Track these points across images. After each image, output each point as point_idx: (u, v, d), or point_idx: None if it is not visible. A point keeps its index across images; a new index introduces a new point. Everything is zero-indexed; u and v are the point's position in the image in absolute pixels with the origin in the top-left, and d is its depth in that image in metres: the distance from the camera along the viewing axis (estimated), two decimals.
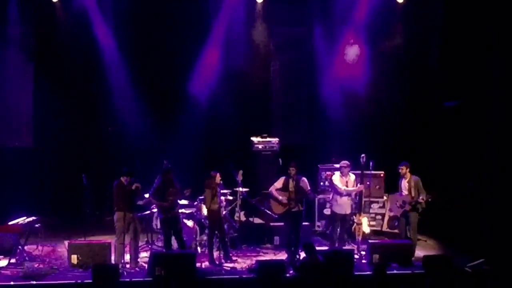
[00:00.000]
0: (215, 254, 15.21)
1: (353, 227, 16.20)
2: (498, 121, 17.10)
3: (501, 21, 16.92)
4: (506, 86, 16.96)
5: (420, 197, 15.69)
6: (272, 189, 15.50)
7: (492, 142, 17.27)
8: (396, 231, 16.92)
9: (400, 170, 15.94)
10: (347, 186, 15.75)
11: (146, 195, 15.64)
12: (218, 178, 15.31)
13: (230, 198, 16.25)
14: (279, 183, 15.48)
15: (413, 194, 15.77)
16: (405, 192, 15.92)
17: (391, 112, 19.36)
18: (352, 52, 19.42)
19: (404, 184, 15.96)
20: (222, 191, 15.64)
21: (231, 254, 15.50)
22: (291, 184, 15.34)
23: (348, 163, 15.81)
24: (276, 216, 15.93)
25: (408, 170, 15.94)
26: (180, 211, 15.51)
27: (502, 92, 17.03)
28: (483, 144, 17.54)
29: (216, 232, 15.29)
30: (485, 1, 17.29)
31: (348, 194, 15.73)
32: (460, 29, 18.00)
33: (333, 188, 15.93)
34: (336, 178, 15.86)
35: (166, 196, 15.00)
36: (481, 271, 14.33)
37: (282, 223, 15.97)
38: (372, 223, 17.52)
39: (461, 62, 18.01)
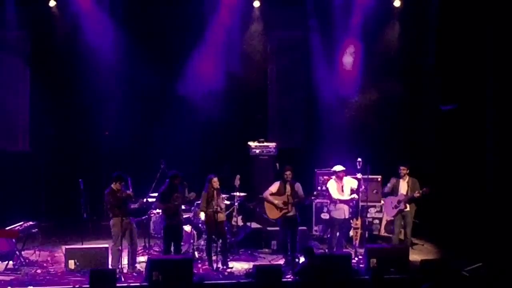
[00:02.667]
0: (213, 258, 15.17)
1: (350, 232, 16.22)
2: (495, 123, 17.14)
3: (497, 24, 16.96)
4: (502, 89, 17.00)
5: (416, 192, 15.80)
6: (267, 193, 15.49)
7: (490, 145, 17.30)
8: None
9: (402, 170, 16.09)
10: (342, 191, 15.71)
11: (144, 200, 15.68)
12: (214, 182, 15.22)
13: (228, 202, 16.23)
14: (274, 188, 15.49)
15: (409, 194, 15.92)
16: (402, 192, 15.99)
17: (388, 116, 19.37)
18: (349, 55, 19.42)
19: (403, 185, 16.08)
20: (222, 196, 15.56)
21: (228, 260, 15.46)
22: (288, 188, 15.36)
23: (343, 168, 15.81)
24: (274, 221, 15.94)
25: (408, 172, 16.09)
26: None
27: (499, 95, 17.08)
28: (480, 147, 17.57)
29: (214, 237, 15.24)
30: (480, 4, 17.33)
31: (343, 202, 15.74)
32: (456, 33, 18.02)
33: (328, 195, 15.96)
34: (331, 184, 15.86)
35: (171, 201, 14.98)
36: (479, 275, 14.34)
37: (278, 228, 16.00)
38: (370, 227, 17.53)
39: (458, 65, 18.04)
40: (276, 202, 15.34)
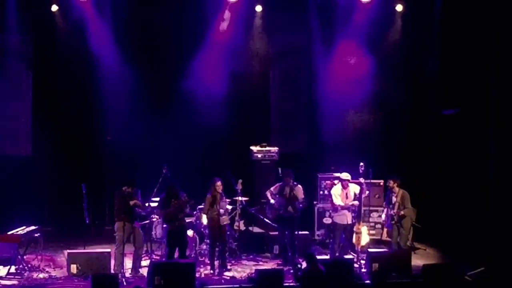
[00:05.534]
0: (216, 263, 15.19)
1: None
2: (498, 127, 17.10)
3: (500, 28, 16.94)
4: (505, 93, 16.98)
5: (401, 212, 15.75)
6: (267, 192, 15.94)
7: (492, 149, 17.27)
8: None
9: (388, 184, 15.99)
10: (346, 198, 15.78)
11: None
12: (218, 186, 15.23)
13: (230, 207, 16.22)
14: (275, 189, 15.86)
15: (395, 210, 15.83)
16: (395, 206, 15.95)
17: (390, 120, 19.39)
18: (351, 60, 19.43)
19: (393, 199, 15.98)
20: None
21: (229, 263, 15.50)
22: (286, 190, 15.62)
23: (349, 178, 15.82)
24: (275, 225, 15.99)
25: (396, 184, 15.92)
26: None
27: (501, 99, 17.06)
28: (482, 151, 17.53)
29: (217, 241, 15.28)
30: (484, 9, 17.31)
31: (345, 208, 15.77)
32: (459, 37, 18.01)
33: (330, 200, 15.99)
34: (337, 190, 15.89)
35: (170, 207, 14.99)
36: (482, 280, 14.32)
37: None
38: (372, 232, 17.50)
39: (460, 70, 18.02)
40: (272, 201, 15.80)
